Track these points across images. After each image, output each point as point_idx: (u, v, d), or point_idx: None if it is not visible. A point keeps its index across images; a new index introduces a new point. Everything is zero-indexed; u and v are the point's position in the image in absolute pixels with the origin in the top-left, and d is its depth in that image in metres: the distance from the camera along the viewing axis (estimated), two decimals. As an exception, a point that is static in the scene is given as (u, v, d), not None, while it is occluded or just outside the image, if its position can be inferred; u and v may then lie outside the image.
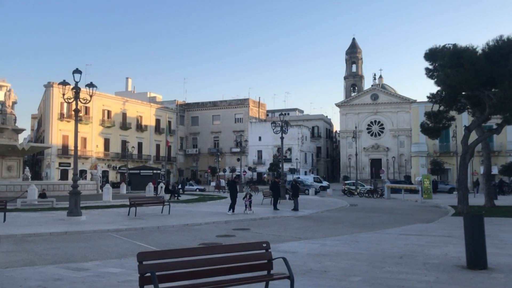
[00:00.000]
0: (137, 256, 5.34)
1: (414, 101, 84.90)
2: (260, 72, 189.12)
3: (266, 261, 6.21)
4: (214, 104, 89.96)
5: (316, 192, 46.58)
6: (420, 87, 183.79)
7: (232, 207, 21.95)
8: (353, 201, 35.37)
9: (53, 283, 7.61)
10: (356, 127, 78.26)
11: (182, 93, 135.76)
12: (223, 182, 58.14)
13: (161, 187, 39.99)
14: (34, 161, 70.39)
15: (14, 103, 35.81)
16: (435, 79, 23.66)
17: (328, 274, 8.21)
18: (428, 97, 26.14)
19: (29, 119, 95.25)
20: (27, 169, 40.95)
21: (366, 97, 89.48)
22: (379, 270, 8.55)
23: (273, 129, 37.32)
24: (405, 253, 10.47)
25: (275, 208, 24.59)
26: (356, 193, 44.73)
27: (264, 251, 6.26)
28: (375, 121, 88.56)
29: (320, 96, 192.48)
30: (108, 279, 7.87)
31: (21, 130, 37.39)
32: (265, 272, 6.18)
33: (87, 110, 66.49)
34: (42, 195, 28.33)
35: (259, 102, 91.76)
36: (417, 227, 16.71)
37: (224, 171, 73.95)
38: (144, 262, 5.31)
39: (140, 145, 78.19)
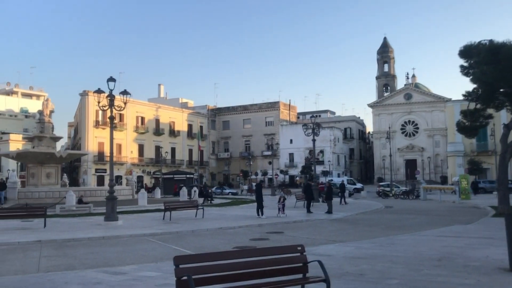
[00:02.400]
0: (174, 259, 5.41)
1: (449, 100, 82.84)
2: (290, 75, 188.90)
3: (301, 264, 6.18)
4: (245, 108, 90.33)
5: (350, 195, 46.06)
6: (455, 85, 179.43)
7: (259, 210, 21.93)
8: (388, 203, 34.79)
9: (92, 286, 7.79)
10: (389, 128, 76.99)
11: (213, 98, 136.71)
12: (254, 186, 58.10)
13: (195, 191, 40.38)
14: (71, 168, 72.35)
15: (51, 112, 36.95)
16: (471, 77, 23.00)
17: (365, 277, 8.10)
18: (463, 95, 25.43)
19: (66, 127, 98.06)
20: (65, 175, 42.09)
21: (399, 96, 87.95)
22: (417, 273, 8.37)
23: (305, 132, 37.13)
24: (443, 256, 10.22)
25: (309, 211, 24.46)
26: (391, 194, 43.99)
27: (299, 254, 6.24)
28: (409, 121, 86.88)
29: (352, 97, 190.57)
30: (145, 283, 7.99)
31: (59, 138, 38.50)
32: (300, 275, 6.15)
33: (121, 117, 67.89)
34: (80, 201, 29.10)
35: (289, 104, 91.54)
36: (455, 229, 16.28)
37: (256, 174, 74.09)
38: (180, 266, 5.37)
39: (173, 150, 79.27)
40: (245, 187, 65.06)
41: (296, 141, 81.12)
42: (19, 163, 55.31)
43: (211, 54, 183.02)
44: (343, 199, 32.29)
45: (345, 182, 51.46)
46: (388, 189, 46.54)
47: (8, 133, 69.32)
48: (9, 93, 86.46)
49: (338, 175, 77.00)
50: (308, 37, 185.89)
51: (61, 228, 18.10)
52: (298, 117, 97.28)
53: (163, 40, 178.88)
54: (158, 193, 45.02)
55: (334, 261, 9.67)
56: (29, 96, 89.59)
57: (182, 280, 5.27)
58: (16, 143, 66.06)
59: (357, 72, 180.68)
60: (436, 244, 12.27)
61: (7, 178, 36.35)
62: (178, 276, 5.29)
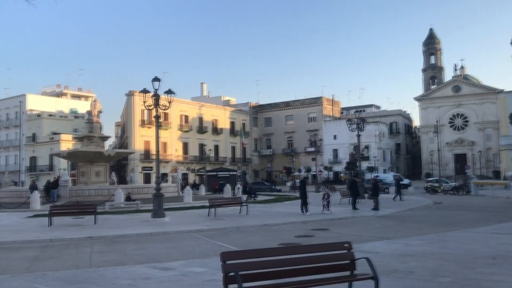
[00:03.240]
0: (221, 256, 5.44)
1: (501, 91, 79.44)
2: (333, 69, 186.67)
3: (348, 261, 6.09)
4: (287, 104, 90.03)
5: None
6: (507, 76, 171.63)
7: (304, 207, 21.77)
8: (437, 199, 33.73)
9: (142, 281, 7.97)
10: (437, 121, 74.75)
11: (255, 95, 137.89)
12: (297, 183, 57.94)
13: (238, 188, 40.67)
14: (119, 166, 74.54)
15: (99, 112, 38.06)
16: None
17: (415, 275, 7.87)
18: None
19: (113, 127, 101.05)
20: (113, 174, 43.34)
21: (447, 89, 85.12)
22: (470, 271, 8.05)
23: (349, 127, 36.56)
24: (498, 253, 9.78)
25: (354, 207, 24.09)
26: (439, 190, 42.66)
27: (346, 251, 6.15)
28: (458, 114, 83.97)
29: (397, 91, 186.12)
30: (193, 278, 8.10)
31: (107, 138, 39.69)
32: (347, 273, 6.06)
33: (166, 116, 69.22)
34: (128, 198, 29.90)
35: (332, 99, 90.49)
36: (511, 226, 15.57)
37: (299, 171, 73.71)
38: (227, 262, 5.40)
39: (216, 147, 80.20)
40: (289, 183, 64.92)
41: (340, 136, 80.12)
42: (70, 162, 57.52)
43: (253, 51, 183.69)
44: (399, 195, 31.68)
45: (391, 179, 50.32)
46: (436, 184, 45.15)
47: (59, 134, 72.16)
48: (59, 95, 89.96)
49: (384, 171, 75.50)
50: (352, 31, 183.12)
51: (111, 224, 18.66)
52: (342, 112, 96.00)
53: (205, 39, 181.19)
54: (202, 190, 45.67)
55: (382, 259, 9.45)
56: (78, 97, 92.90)
57: (229, 276, 5.30)
58: (67, 143, 68.75)
59: (403, 65, 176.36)
60: (490, 241, 11.77)
61: (59, 177, 37.82)
62: (225, 272, 5.32)
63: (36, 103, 79.13)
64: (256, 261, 5.63)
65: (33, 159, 74.52)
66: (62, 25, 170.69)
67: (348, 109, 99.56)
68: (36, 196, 28.38)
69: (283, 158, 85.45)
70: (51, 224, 18.09)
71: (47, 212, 19.51)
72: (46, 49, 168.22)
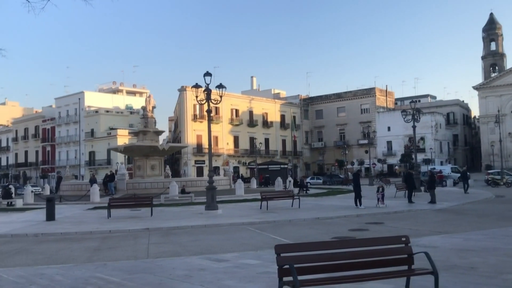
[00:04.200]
0: (275, 248, 5.43)
1: None
2: (386, 59, 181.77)
3: (406, 255, 5.92)
4: (338, 96, 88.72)
5: (455, 183, 43.34)
6: None
7: (358, 200, 21.39)
8: (499, 192, 32.14)
9: (198, 272, 8.12)
10: (498, 111, 71.20)
11: (305, 87, 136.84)
12: (350, 175, 57.17)
13: (289, 181, 40.60)
14: (173, 160, 76.38)
15: (153, 107, 39.12)
16: None
17: (476, 271, 7.53)
18: None
19: (166, 122, 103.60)
20: (167, 167, 44.45)
21: (509, 76, 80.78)
22: (539, 269, 7.60)
23: (404, 118, 35.51)
24: None
25: (410, 201, 23.42)
26: (501, 183, 40.63)
27: (403, 245, 5.99)
28: (522, 102, 79.56)
29: (454, 80, 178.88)
30: (247, 270, 8.15)
31: (161, 132, 40.75)
32: (405, 267, 5.89)
33: (217, 110, 70.12)
34: (182, 191, 30.59)
35: (386, 90, 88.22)
36: None
37: (352, 164, 72.59)
38: (282, 255, 5.39)
39: (266, 141, 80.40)
40: (341, 176, 64.14)
41: (394, 128, 78.10)
42: (126, 156, 59.62)
43: (303, 43, 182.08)
44: (466, 186, 30.80)
45: (449, 171, 48.53)
46: (498, 177, 43.01)
47: (116, 129, 74.88)
48: (115, 91, 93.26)
49: (441, 163, 72.87)
50: (406, 18, 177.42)
51: (166, 216, 19.16)
52: (396, 103, 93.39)
53: (255, 33, 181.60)
54: (254, 183, 45.98)
55: (441, 253, 9.11)
56: (133, 93, 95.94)
57: (284, 269, 5.28)
58: (123, 137, 71.25)
59: (460, 52, 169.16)
60: (559, 237, 11.08)
61: (116, 171, 39.29)
62: (279, 265, 5.31)
63: (94, 99, 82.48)
64: (311, 254, 5.59)
65: (91, 154, 77.87)
66: (117, 23, 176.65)
67: (402, 99, 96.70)
68: (96, 189, 29.61)
69: (335, 150, 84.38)
70: (110, 216, 18.81)
71: (106, 205, 20.31)
72: (102, 47, 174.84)
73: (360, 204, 21.21)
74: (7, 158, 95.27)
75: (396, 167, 76.55)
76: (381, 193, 21.76)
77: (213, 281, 7.38)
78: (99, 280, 7.71)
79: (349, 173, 60.37)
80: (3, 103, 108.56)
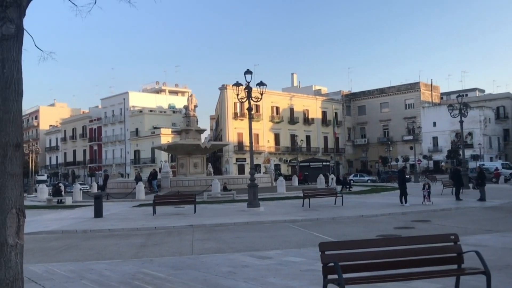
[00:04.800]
0: (319, 246, 5.37)
1: None
2: (431, 53, 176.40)
3: (455, 254, 5.72)
4: (381, 91, 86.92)
5: (506, 180, 41.63)
6: None
7: (403, 198, 20.86)
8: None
9: (241, 269, 8.16)
10: (552, 104, 67.69)
11: (347, 83, 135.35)
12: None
13: (332, 178, 40.21)
14: (214, 157, 77.26)
15: (195, 106, 39.72)
16: None
17: (533, 272, 7.18)
18: None
19: (208, 120, 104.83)
20: (209, 165, 45.03)
21: (562, 68, 76.73)
22: None
23: (450, 113, 34.42)
24: None
25: (458, 198, 22.70)
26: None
27: (452, 243, 5.78)
28: None
29: (505, 72, 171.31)
30: (290, 268, 8.12)
31: (203, 131, 41.30)
32: (454, 266, 5.69)
33: (257, 107, 70.24)
34: (224, 188, 30.90)
35: (431, 84, 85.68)
36: None
37: (397, 160, 71.00)
38: (326, 252, 5.33)
39: (308, 138, 79.86)
40: (395, 171, 62.88)
41: (440, 123, 75.78)
42: (169, 155, 60.80)
43: (344, 39, 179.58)
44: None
45: (500, 167, 46.73)
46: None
47: (159, 128, 76.51)
48: (158, 91, 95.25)
49: (491, 159, 70.14)
50: (451, 10, 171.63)
51: (209, 213, 19.40)
52: (442, 98, 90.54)
53: (294, 30, 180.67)
54: (295, 180, 45.83)
55: (492, 252, 8.76)
56: (175, 93, 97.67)
57: (329, 267, 5.22)
58: (166, 136, 72.71)
59: (511, 44, 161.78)
60: None
61: (160, 169, 40.17)
62: (324, 262, 5.25)
63: (138, 99, 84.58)
64: (356, 252, 5.50)
65: (136, 152, 79.89)
66: (159, 24, 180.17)
67: (448, 94, 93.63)
68: (141, 186, 30.37)
69: (379, 147, 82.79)
70: (155, 213, 19.24)
71: (151, 202, 20.81)
72: (146, 48, 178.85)
73: (406, 202, 20.73)
74: (57, 157, 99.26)
75: (443, 163, 74.31)
76: (427, 190, 21.18)
77: (257, 278, 7.40)
78: (146, 275, 7.89)
79: (394, 170, 59.18)
80: (52, 104, 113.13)
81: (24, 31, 5.02)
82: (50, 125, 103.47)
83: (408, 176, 41.68)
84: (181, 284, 7.16)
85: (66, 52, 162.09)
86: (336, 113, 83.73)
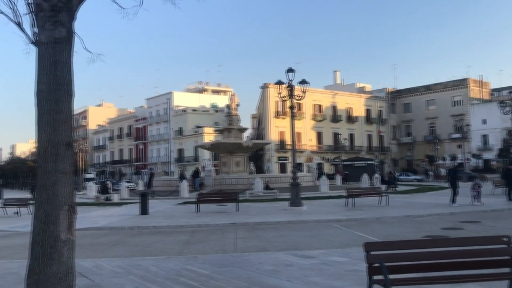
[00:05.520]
0: (364, 246, 5.28)
1: None
2: (480, 48, 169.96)
3: (508, 257, 5.47)
4: (428, 88, 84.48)
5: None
6: None
7: (453, 197, 20.19)
8: None
9: (285, 268, 8.14)
10: None
11: (392, 80, 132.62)
12: (442, 171, 54.39)
13: (376, 177, 39.50)
14: (256, 156, 77.48)
15: (237, 105, 40.01)
16: None
17: None
18: None
19: (249, 119, 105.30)
20: (251, 163, 45.24)
21: None
22: None
23: (501, 110, 33.01)
24: None
25: (510, 198, 21.74)
26: None
27: (505, 246, 5.52)
28: None
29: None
30: (334, 268, 8.04)
31: (245, 129, 41.55)
32: (507, 269, 5.46)
33: (299, 106, 69.83)
34: (266, 187, 30.95)
35: (481, 80, 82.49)
36: None
37: (444, 159, 68.92)
38: (371, 253, 5.24)
39: (351, 136, 78.76)
40: (431, 173, 61.24)
41: (490, 121, 72.84)
42: (212, 153, 61.53)
43: (388, 34, 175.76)
44: None
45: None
46: None
47: (202, 127, 77.62)
48: (201, 90, 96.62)
49: (546, 158, 66.83)
50: (501, 1, 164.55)
51: (252, 212, 19.48)
52: (492, 94, 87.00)
53: (337, 26, 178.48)
54: (338, 179, 45.34)
55: (549, 256, 8.32)
56: (217, 92, 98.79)
57: (374, 267, 5.13)
58: (209, 135, 73.66)
59: None
60: None
61: (203, 167, 40.72)
62: (369, 263, 5.17)
63: (181, 99, 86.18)
64: (402, 253, 5.37)
65: (180, 151, 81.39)
66: (202, 24, 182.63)
67: (499, 90, 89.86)
68: (185, 184, 30.94)
69: (425, 145, 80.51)
70: (198, 211, 19.52)
71: (194, 200, 21.13)
72: (189, 48, 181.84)
73: (454, 202, 20.06)
74: (104, 156, 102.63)
75: (493, 162, 71.41)
76: (477, 190, 20.41)
77: (301, 277, 7.37)
78: (190, 272, 8.01)
79: (441, 169, 57.46)
80: (100, 105, 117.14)
81: (75, 34, 5.20)
82: (98, 125, 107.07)
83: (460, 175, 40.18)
84: (225, 282, 7.23)
85: (113, 54, 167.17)
86: (380, 111, 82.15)
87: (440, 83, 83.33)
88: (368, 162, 58.89)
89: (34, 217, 4.86)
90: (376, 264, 5.07)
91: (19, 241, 13.48)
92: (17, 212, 21.83)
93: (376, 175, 40.92)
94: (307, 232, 13.49)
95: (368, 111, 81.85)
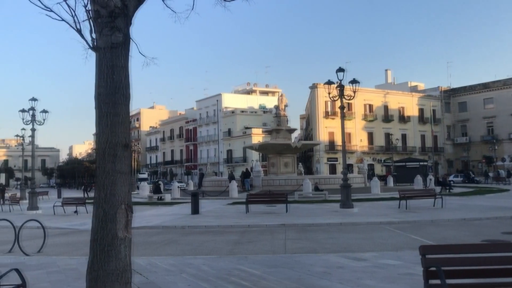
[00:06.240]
0: (420, 249, 5.13)
1: None
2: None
3: None
4: (485, 86, 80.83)
5: None
6: None
7: None
8: None
9: (336, 270, 8.05)
10: None
11: (446, 78, 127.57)
12: (502, 173, 51.93)
13: (430, 179, 38.24)
14: (305, 157, 77.02)
15: (285, 106, 39.93)
16: None
17: None
18: None
19: (298, 120, 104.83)
20: (300, 164, 45.04)
21: None
22: None
23: None
24: None
25: None
26: None
27: None
28: None
29: None
30: (387, 271, 7.85)
31: (293, 130, 41.39)
32: None
33: (349, 106, 68.76)
34: (315, 188, 30.70)
35: (543, 77, 78.09)
36: None
37: (503, 160, 65.71)
38: (427, 256, 5.08)
39: (403, 136, 76.69)
40: (491, 174, 58.59)
41: (555, 119, 68.75)
42: (261, 154, 61.77)
43: (442, 31, 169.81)
44: None
45: None
46: None
47: (251, 128, 78.12)
48: (249, 92, 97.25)
49: None
50: None
51: (301, 213, 19.38)
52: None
53: (387, 24, 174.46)
54: (390, 181, 44.27)
55: None
56: (266, 93, 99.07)
57: (430, 271, 4.97)
58: (257, 136, 73.99)
59: None
60: None
61: (252, 168, 40.95)
62: (425, 266, 5.01)
63: (230, 101, 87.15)
64: (460, 257, 5.16)
65: (229, 152, 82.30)
66: (250, 26, 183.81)
67: None
68: (234, 185, 31.22)
69: (482, 146, 77.07)
70: (248, 211, 19.64)
71: (243, 200, 21.29)
72: (237, 50, 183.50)
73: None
74: (156, 156, 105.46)
75: (556, 163, 67.37)
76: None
77: (352, 280, 7.25)
78: (241, 272, 8.07)
79: (499, 171, 54.88)
80: (152, 107, 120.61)
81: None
82: (150, 126, 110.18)
83: None
84: (276, 282, 7.23)
85: (164, 57, 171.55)
86: (434, 110, 79.52)
87: (499, 81, 79.54)
88: (421, 163, 57.00)
89: (93, 216, 5.06)
90: (433, 268, 4.91)
91: (77, 238, 14.10)
92: (76, 211, 22.83)
93: (430, 177, 39.59)
94: (358, 234, 13.26)
95: (421, 110, 79.43)
